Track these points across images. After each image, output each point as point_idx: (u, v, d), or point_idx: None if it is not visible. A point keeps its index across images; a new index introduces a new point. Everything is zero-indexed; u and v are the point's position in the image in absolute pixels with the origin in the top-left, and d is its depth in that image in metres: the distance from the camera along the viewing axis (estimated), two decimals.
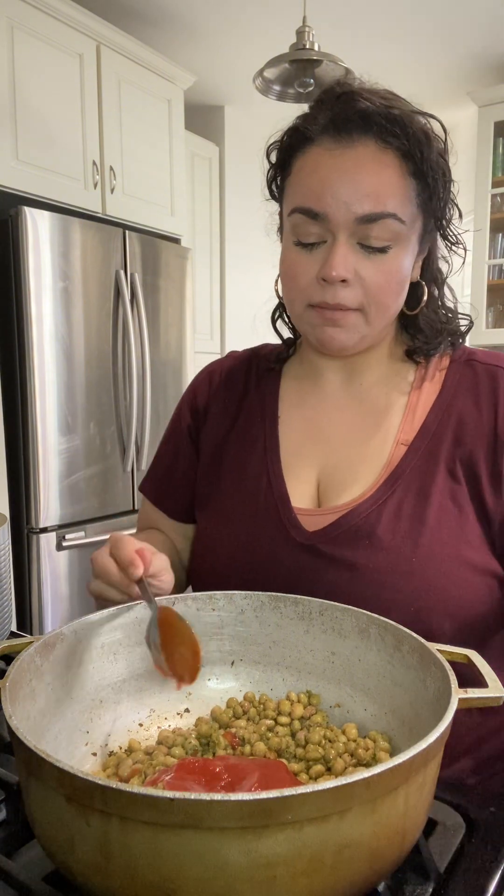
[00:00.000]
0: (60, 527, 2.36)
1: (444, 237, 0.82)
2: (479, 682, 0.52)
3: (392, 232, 0.73)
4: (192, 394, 0.98)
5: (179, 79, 2.91)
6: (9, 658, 0.77)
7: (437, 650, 0.54)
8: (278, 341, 0.96)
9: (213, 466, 0.91)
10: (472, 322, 0.87)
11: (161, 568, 0.69)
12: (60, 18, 2.36)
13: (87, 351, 2.40)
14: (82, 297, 2.37)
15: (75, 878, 0.43)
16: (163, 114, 2.87)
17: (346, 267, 0.73)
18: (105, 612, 0.64)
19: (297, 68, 2.04)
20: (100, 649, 0.63)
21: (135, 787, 0.38)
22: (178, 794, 0.36)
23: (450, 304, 0.87)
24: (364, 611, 0.63)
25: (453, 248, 0.84)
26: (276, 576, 0.78)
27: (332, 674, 0.65)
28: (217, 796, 0.36)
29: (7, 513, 2.28)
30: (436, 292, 0.85)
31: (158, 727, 0.64)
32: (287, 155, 0.79)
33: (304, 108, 0.80)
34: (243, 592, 0.68)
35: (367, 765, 0.56)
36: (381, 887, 0.45)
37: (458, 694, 0.48)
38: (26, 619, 2.34)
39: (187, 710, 0.66)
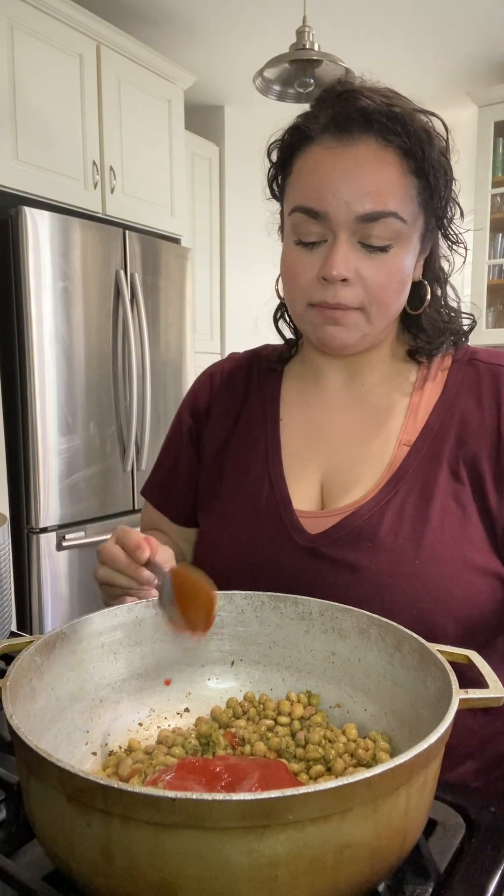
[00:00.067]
0: (60, 527, 2.36)
1: (446, 236, 0.82)
2: (480, 682, 0.52)
3: (393, 231, 0.73)
4: (193, 397, 0.98)
5: (179, 79, 2.91)
6: (8, 658, 0.77)
7: (438, 650, 0.54)
8: (280, 341, 0.96)
9: (214, 468, 0.91)
10: (474, 321, 0.87)
11: (167, 558, 0.69)
12: (60, 18, 2.36)
13: (87, 351, 2.40)
14: (82, 297, 2.37)
15: (76, 878, 0.43)
16: (163, 114, 2.87)
17: (347, 266, 0.73)
18: (105, 611, 0.64)
19: (297, 68, 2.04)
20: (100, 649, 0.63)
21: (137, 787, 0.38)
22: (180, 795, 0.36)
23: (452, 304, 0.87)
24: (364, 611, 0.62)
25: (454, 247, 0.84)
26: (277, 578, 0.78)
27: (332, 674, 0.65)
28: (219, 796, 0.36)
29: (7, 513, 2.28)
30: (438, 291, 0.85)
31: (158, 727, 0.64)
32: (288, 154, 0.79)
33: (304, 108, 0.80)
34: (243, 592, 0.68)
35: (368, 765, 0.56)
36: (381, 887, 0.45)
37: (458, 694, 0.47)
38: (26, 619, 2.34)
39: (187, 710, 0.66)
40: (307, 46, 2.03)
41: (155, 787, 0.50)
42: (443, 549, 0.74)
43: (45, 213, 2.23)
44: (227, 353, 1.02)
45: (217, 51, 3.09)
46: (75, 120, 2.46)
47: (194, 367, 2.90)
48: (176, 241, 2.99)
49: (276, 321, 0.95)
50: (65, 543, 2.36)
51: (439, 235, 0.82)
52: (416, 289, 0.82)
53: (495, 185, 3.31)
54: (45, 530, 2.31)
